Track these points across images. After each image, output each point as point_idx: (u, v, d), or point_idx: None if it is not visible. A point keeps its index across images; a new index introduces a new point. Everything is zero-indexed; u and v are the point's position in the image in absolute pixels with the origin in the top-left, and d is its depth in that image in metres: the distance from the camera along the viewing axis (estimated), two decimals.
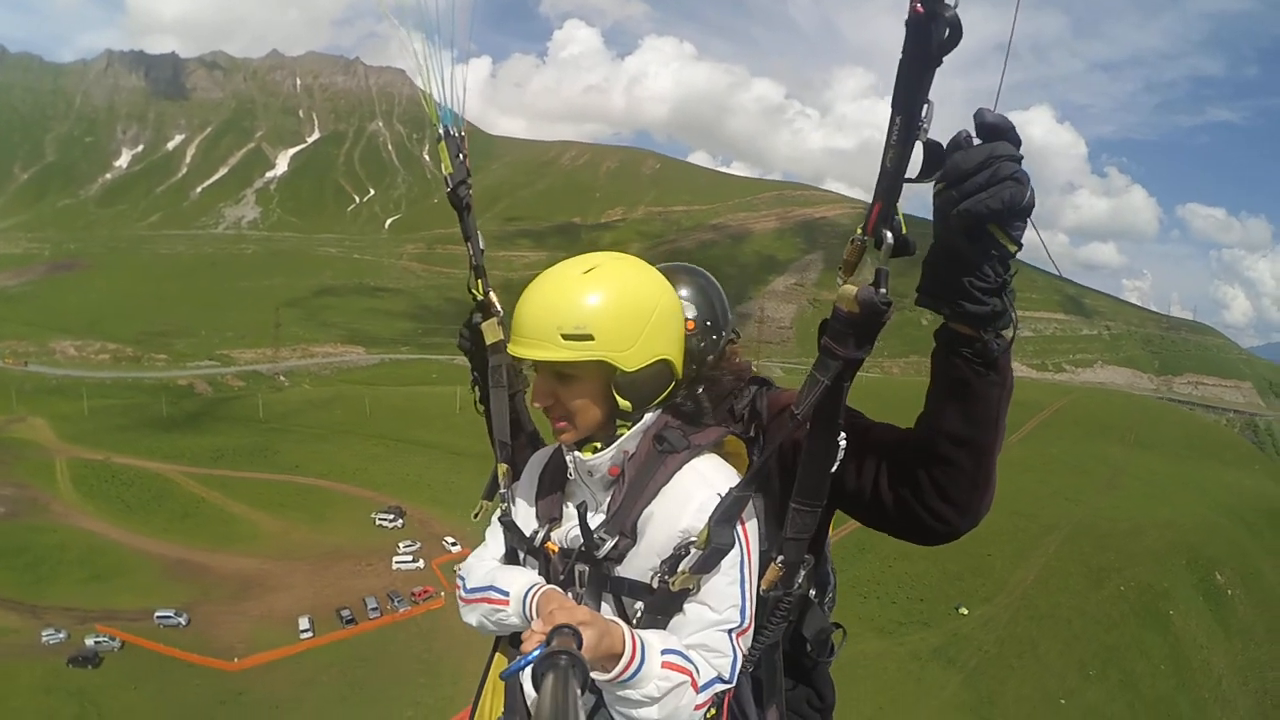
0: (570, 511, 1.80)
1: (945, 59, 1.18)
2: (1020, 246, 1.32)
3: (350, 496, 76.29)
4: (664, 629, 1.61)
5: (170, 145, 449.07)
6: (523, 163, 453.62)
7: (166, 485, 79.68)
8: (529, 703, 1.77)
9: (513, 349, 1.69)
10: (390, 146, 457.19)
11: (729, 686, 1.61)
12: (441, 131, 2.19)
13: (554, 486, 1.89)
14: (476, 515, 2.12)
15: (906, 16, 1.15)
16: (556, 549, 1.80)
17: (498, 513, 2.02)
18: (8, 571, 58.69)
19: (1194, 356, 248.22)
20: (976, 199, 1.24)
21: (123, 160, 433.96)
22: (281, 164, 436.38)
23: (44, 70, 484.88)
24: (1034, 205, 1.26)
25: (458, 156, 2.19)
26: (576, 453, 1.76)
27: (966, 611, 58.05)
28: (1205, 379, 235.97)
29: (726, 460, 1.77)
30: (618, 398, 1.68)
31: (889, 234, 1.33)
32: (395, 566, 61.37)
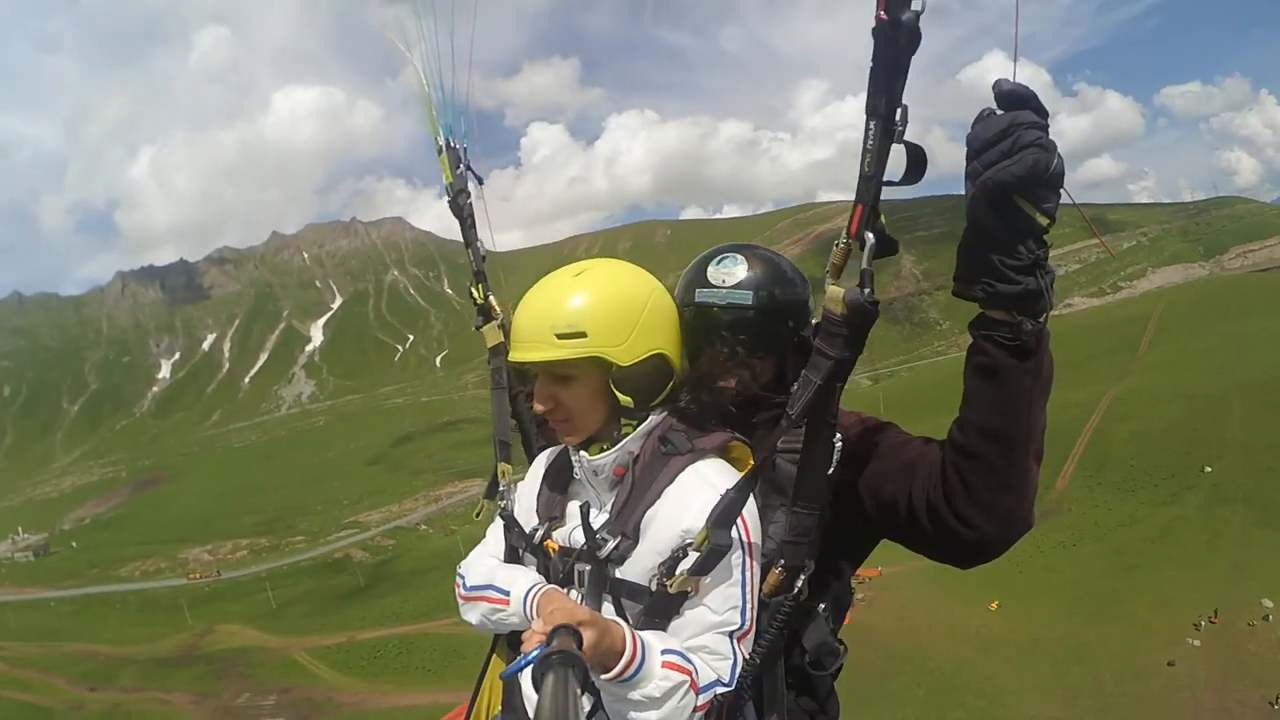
0: (573, 510, 1.77)
1: (910, 63, 1.19)
2: (1052, 220, 1.26)
3: None
4: (663, 631, 1.57)
5: (205, 345, 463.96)
6: (541, 269, 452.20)
7: (448, 642, 74.72)
8: (527, 702, 1.75)
9: (513, 355, 1.70)
10: (412, 291, 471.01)
11: (728, 689, 1.56)
12: (442, 143, 2.22)
13: (558, 485, 1.87)
14: (478, 514, 2.08)
15: (873, 25, 1.16)
16: (556, 547, 1.77)
17: (499, 510, 1.99)
18: None
19: (1231, 230, 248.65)
20: (998, 168, 1.21)
21: (164, 371, 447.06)
22: (316, 335, 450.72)
23: (64, 305, 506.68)
24: (1063, 173, 1.22)
25: (458, 168, 2.23)
26: (582, 453, 1.72)
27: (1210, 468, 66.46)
28: (1250, 246, 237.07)
29: (732, 465, 1.73)
30: (618, 394, 1.65)
31: (870, 236, 1.32)
32: None
